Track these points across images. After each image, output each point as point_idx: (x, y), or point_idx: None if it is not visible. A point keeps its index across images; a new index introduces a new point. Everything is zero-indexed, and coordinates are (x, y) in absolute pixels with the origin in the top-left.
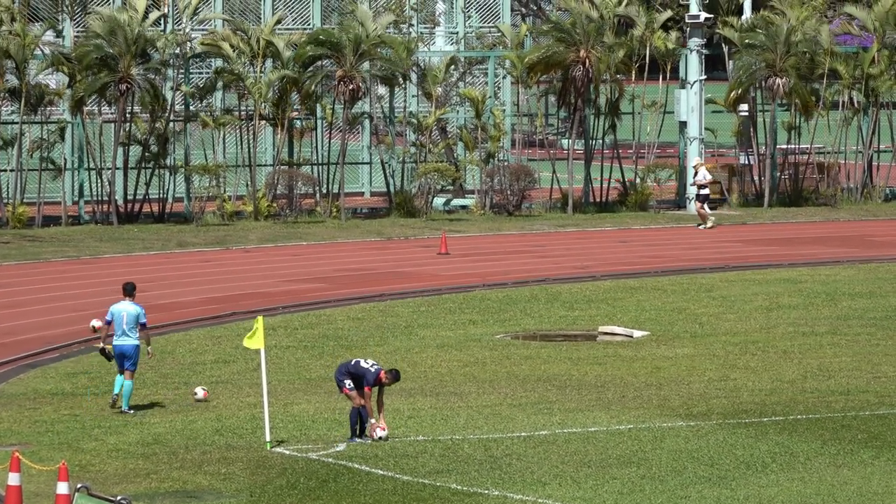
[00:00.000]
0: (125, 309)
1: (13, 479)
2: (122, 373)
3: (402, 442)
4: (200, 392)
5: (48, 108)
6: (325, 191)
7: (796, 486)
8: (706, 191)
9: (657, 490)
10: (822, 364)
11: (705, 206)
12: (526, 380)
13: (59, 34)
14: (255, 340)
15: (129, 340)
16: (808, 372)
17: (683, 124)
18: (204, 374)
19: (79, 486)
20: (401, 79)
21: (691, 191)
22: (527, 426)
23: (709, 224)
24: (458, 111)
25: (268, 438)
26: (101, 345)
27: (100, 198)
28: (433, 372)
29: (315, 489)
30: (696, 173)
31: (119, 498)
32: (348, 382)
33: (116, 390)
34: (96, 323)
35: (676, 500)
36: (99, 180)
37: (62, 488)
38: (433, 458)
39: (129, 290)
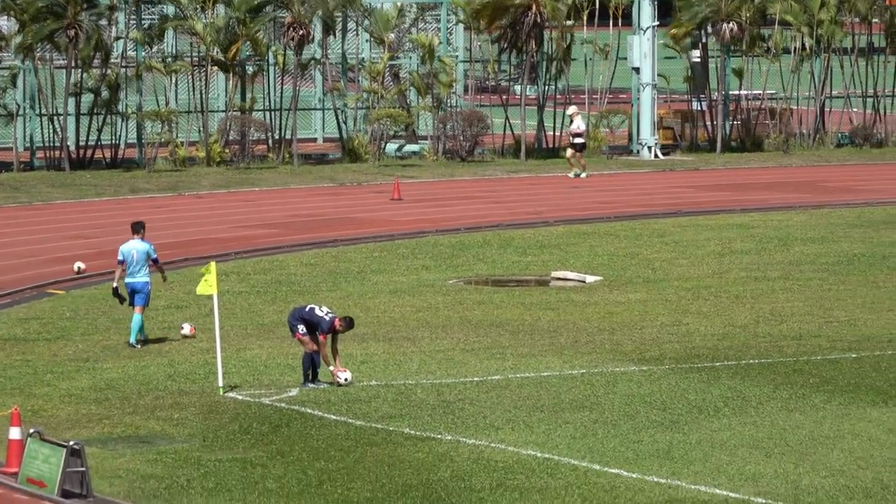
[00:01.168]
0: (135, 247)
1: None
2: (137, 312)
3: (355, 387)
4: (187, 328)
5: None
6: (277, 137)
7: (748, 430)
8: (581, 140)
9: (610, 434)
10: (775, 309)
11: (579, 154)
12: (479, 325)
13: None
14: (207, 286)
15: (140, 278)
16: (761, 317)
17: (636, 70)
18: (156, 320)
19: (31, 431)
20: (347, 23)
21: (645, 137)
22: (480, 371)
23: (577, 173)
24: (410, 57)
25: (220, 384)
26: (115, 285)
27: (52, 144)
28: (386, 317)
29: (268, 434)
30: (571, 122)
31: (72, 443)
32: (301, 327)
33: (132, 339)
34: (81, 265)
35: (629, 444)
36: (51, 126)
37: (14, 433)
38: (386, 402)
39: (136, 229)
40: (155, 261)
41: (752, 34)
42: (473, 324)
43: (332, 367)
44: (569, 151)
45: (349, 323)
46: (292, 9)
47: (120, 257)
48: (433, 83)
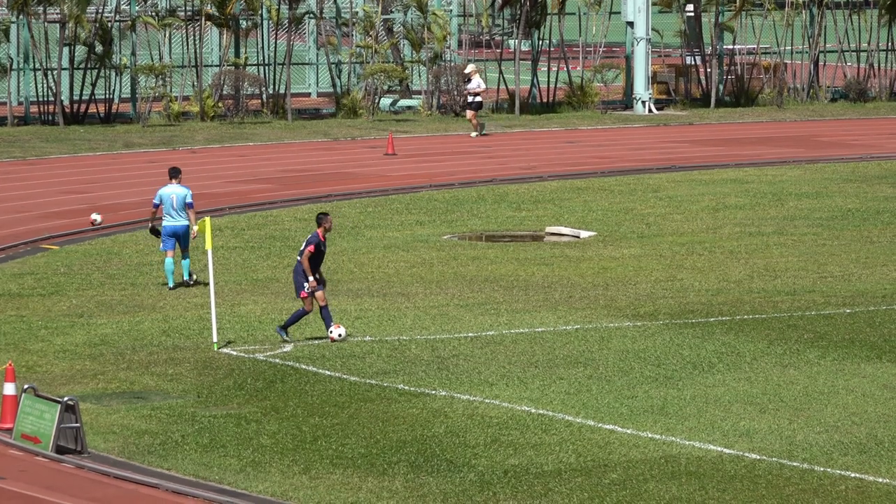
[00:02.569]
0: (174, 191)
1: None
2: (168, 256)
3: (349, 343)
4: (98, 217)
5: None
6: (271, 91)
7: (742, 386)
8: (479, 98)
9: (604, 390)
10: (769, 264)
11: (477, 113)
12: (473, 280)
13: None
14: (203, 241)
15: (180, 221)
16: (755, 272)
17: (630, 25)
18: (150, 275)
19: (25, 386)
20: None
21: (639, 92)
22: (474, 326)
23: (477, 133)
24: (402, 11)
25: (215, 339)
26: (151, 224)
27: (45, 98)
28: (380, 273)
29: (262, 389)
30: (468, 80)
31: (66, 399)
32: (307, 285)
33: (171, 284)
34: (97, 217)
35: (623, 399)
36: (45, 81)
37: (9, 389)
38: (380, 358)
39: (174, 174)
40: (190, 205)
41: None
42: (468, 279)
43: (311, 278)
44: (469, 112)
45: (324, 216)
46: None
47: (156, 200)
48: (426, 37)
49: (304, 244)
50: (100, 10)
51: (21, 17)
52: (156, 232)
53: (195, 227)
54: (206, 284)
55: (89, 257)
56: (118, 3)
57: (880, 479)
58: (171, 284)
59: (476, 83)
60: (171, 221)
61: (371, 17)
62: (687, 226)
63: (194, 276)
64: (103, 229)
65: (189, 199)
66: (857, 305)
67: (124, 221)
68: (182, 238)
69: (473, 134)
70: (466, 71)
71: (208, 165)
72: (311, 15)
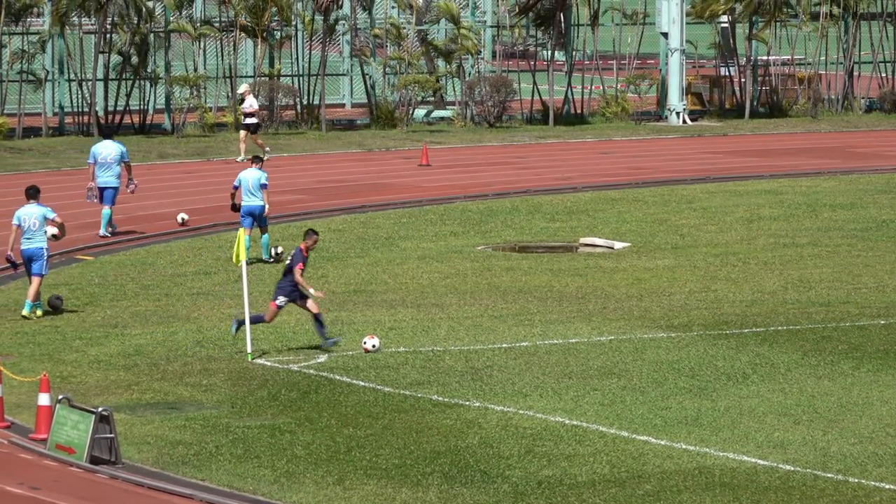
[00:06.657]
0: (251, 175)
1: None
2: (245, 234)
3: (383, 353)
4: (279, 249)
5: (28, 20)
6: (305, 103)
7: (777, 397)
8: (254, 119)
9: (638, 401)
10: (803, 275)
11: (258, 135)
12: (507, 291)
13: None
14: (238, 253)
15: (256, 201)
16: (789, 283)
17: (664, 35)
18: (185, 286)
19: (60, 397)
20: None
21: (673, 103)
22: (508, 337)
23: (246, 157)
24: (438, 21)
25: (249, 350)
26: (233, 202)
27: (80, 109)
28: (414, 283)
29: (296, 400)
30: (242, 101)
31: (100, 409)
32: (281, 299)
33: (246, 258)
34: (184, 216)
35: (657, 410)
36: (80, 92)
37: (43, 399)
38: (414, 369)
39: (254, 160)
40: (264, 186)
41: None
42: (501, 290)
43: (312, 291)
44: (241, 133)
45: (311, 233)
46: None
47: (236, 183)
48: (457, 49)
49: (292, 259)
50: (134, 20)
51: (56, 27)
52: (235, 208)
53: (267, 203)
54: (284, 260)
55: (124, 268)
56: (153, 13)
57: None
58: (245, 259)
59: (249, 103)
60: (247, 201)
61: (402, 28)
62: (721, 237)
63: (272, 251)
64: (137, 240)
65: (264, 181)
66: (891, 317)
67: (158, 232)
68: (258, 217)
69: (240, 158)
70: (239, 91)
71: None
72: (344, 22)
